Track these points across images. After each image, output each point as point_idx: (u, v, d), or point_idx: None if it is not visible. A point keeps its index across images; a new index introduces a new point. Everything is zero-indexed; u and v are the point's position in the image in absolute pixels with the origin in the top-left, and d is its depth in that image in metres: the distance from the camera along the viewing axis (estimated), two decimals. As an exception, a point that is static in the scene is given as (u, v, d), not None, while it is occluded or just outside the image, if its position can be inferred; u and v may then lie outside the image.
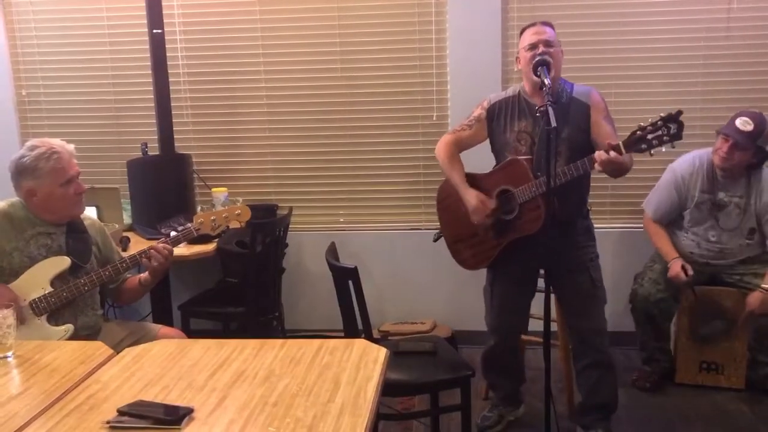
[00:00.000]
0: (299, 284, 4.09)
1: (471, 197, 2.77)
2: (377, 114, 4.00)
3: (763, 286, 3.13)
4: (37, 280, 2.44)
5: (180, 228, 2.60)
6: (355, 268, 2.41)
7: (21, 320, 2.38)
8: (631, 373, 3.47)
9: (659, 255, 3.38)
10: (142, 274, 2.66)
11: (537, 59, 2.59)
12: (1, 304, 2.01)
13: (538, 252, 2.65)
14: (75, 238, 2.55)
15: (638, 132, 2.47)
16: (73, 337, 2.44)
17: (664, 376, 3.43)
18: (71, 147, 2.53)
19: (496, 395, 3.15)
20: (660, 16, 3.73)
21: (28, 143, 2.48)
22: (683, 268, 3.19)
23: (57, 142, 2.49)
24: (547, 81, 2.48)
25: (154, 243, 2.53)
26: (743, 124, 3.05)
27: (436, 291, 3.99)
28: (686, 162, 3.29)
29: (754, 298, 3.16)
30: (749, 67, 3.72)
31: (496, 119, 2.80)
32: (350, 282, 2.44)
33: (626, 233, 3.87)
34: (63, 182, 2.45)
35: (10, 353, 1.97)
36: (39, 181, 2.43)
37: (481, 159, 2.92)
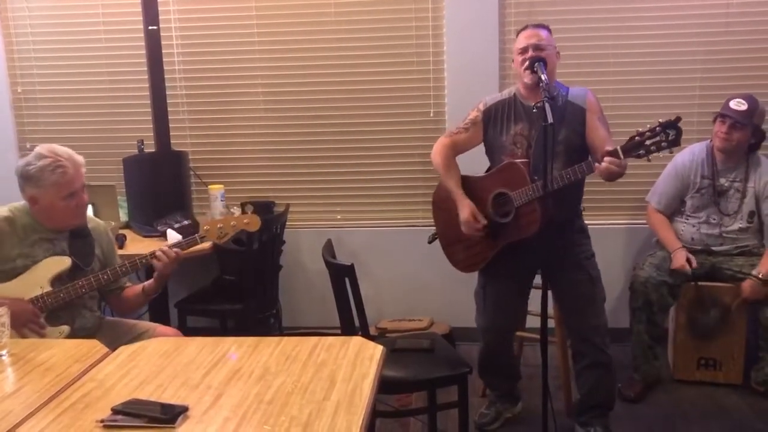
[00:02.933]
0: (297, 281, 4.08)
1: (464, 210, 2.75)
2: (374, 111, 3.99)
3: (753, 273, 3.19)
4: (37, 279, 2.42)
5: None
6: (352, 265, 2.40)
7: (41, 333, 2.38)
8: (627, 370, 3.44)
9: (659, 245, 3.43)
10: (146, 282, 2.63)
11: (532, 56, 2.60)
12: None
13: (533, 253, 2.65)
14: (78, 242, 2.53)
15: (637, 137, 2.46)
16: (70, 338, 2.42)
17: (649, 387, 3.37)
18: (80, 158, 2.48)
19: (493, 393, 3.15)
20: (658, 11, 3.72)
21: (37, 150, 2.43)
22: (688, 260, 3.25)
23: (65, 154, 2.43)
24: (543, 77, 2.47)
25: (162, 246, 2.52)
26: (737, 104, 3.21)
27: (434, 288, 3.98)
28: (685, 152, 3.40)
29: (746, 285, 3.22)
30: (748, 62, 3.71)
31: (492, 122, 2.79)
32: (347, 279, 2.43)
33: (622, 230, 3.87)
34: (65, 195, 2.42)
35: (4, 351, 1.96)
36: (41, 191, 2.41)
37: (476, 161, 2.91)
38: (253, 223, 2.59)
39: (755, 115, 3.21)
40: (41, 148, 2.45)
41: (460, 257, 2.92)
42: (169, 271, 2.53)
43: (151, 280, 2.60)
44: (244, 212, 2.63)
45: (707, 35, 3.72)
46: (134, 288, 2.67)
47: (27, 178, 2.42)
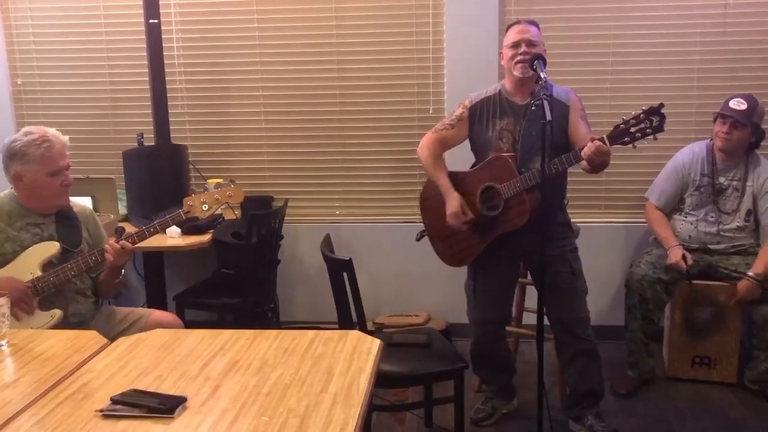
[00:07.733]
0: (295, 276, 4.09)
1: (452, 203, 2.78)
2: (373, 107, 4.00)
3: (749, 273, 3.21)
4: (27, 265, 2.44)
5: (168, 216, 2.57)
6: (350, 259, 2.41)
7: (30, 311, 2.40)
8: (622, 367, 3.46)
9: (656, 243, 3.45)
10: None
11: (525, 51, 2.64)
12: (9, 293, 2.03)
13: (519, 245, 2.71)
14: (65, 225, 2.56)
15: (622, 125, 2.51)
16: (65, 324, 2.44)
17: (643, 384, 3.39)
18: (66, 139, 2.53)
19: (489, 388, 3.16)
20: (656, 9, 3.74)
21: (24, 129, 2.50)
22: (683, 257, 3.27)
23: (52, 132, 2.49)
24: (542, 75, 2.49)
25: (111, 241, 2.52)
26: (737, 103, 3.24)
27: (431, 283, 4.00)
28: (685, 150, 3.45)
29: (741, 286, 3.24)
30: (746, 61, 3.73)
31: (478, 118, 2.82)
32: (345, 274, 2.45)
33: (619, 228, 3.87)
34: (50, 172, 2.46)
35: (4, 342, 1.97)
36: (26, 166, 2.44)
37: (462, 157, 2.93)
38: (236, 195, 2.58)
39: (755, 114, 3.23)
40: (28, 128, 2.50)
41: (450, 252, 2.94)
42: (121, 263, 2.51)
43: (105, 269, 2.60)
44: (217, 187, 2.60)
45: (705, 34, 3.74)
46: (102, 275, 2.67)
47: (12, 154, 2.45)
